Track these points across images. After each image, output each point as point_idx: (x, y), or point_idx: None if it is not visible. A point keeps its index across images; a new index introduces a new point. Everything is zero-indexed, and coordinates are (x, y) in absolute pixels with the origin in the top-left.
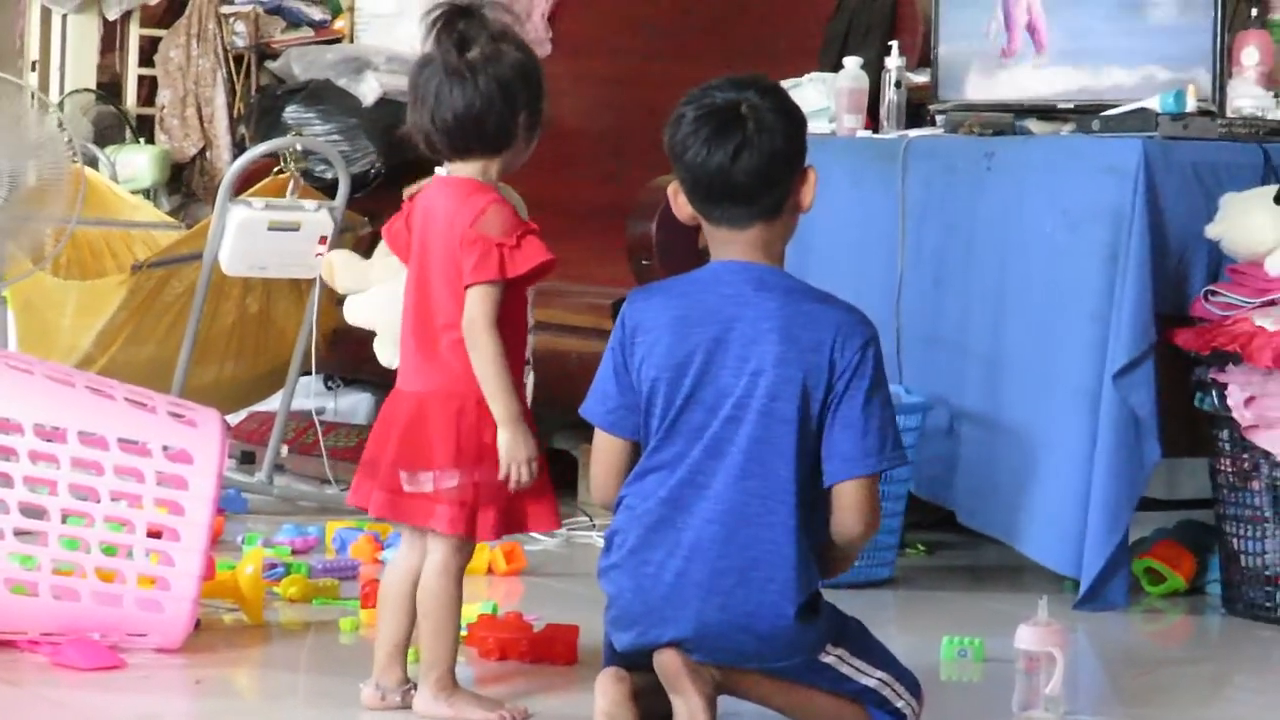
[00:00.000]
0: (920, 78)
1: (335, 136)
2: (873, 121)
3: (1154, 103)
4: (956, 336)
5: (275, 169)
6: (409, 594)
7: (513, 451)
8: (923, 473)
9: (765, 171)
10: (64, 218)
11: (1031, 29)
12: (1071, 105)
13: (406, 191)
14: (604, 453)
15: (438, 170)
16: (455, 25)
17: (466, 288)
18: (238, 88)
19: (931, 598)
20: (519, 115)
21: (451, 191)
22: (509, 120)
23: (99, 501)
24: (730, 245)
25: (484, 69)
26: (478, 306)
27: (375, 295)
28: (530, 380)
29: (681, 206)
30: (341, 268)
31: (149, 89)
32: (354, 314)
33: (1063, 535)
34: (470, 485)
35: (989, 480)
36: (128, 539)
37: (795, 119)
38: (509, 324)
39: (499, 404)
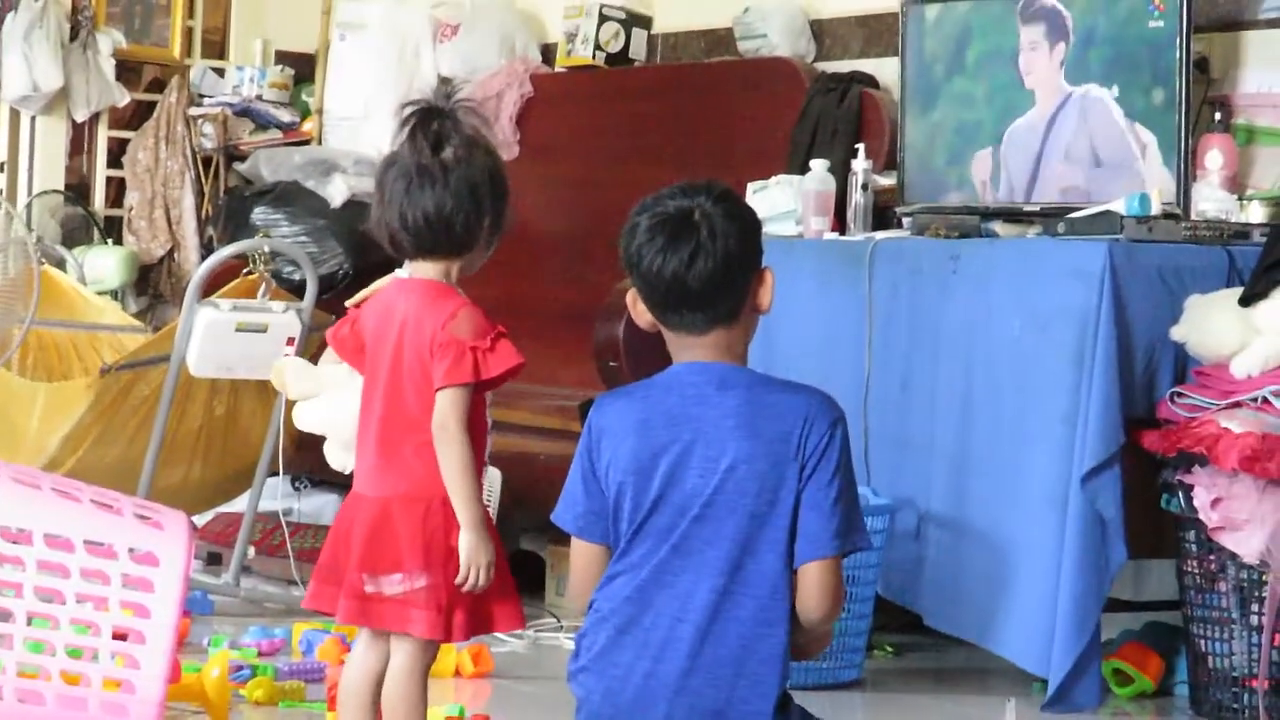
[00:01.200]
0: (887, 180)
1: (303, 238)
2: (839, 223)
3: (1119, 205)
4: (924, 438)
5: (244, 270)
6: (370, 695)
7: (474, 555)
8: (890, 575)
9: (721, 277)
10: (23, 317)
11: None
12: (1037, 208)
13: (350, 302)
14: (580, 559)
15: (397, 271)
16: (430, 124)
17: (438, 390)
18: (206, 189)
19: (899, 700)
20: (485, 218)
21: (418, 294)
22: (476, 223)
23: (64, 604)
24: (691, 349)
25: (456, 170)
26: (450, 409)
27: (326, 401)
28: (498, 480)
29: (641, 314)
30: (293, 374)
31: (117, 190)
32: (304, 419)
33: (1032, 636)
34: (443, 588)
35: (957, 582)
36: (93, 641)
37: (749, 222)
38: (471, 426)
39: (465, 507)
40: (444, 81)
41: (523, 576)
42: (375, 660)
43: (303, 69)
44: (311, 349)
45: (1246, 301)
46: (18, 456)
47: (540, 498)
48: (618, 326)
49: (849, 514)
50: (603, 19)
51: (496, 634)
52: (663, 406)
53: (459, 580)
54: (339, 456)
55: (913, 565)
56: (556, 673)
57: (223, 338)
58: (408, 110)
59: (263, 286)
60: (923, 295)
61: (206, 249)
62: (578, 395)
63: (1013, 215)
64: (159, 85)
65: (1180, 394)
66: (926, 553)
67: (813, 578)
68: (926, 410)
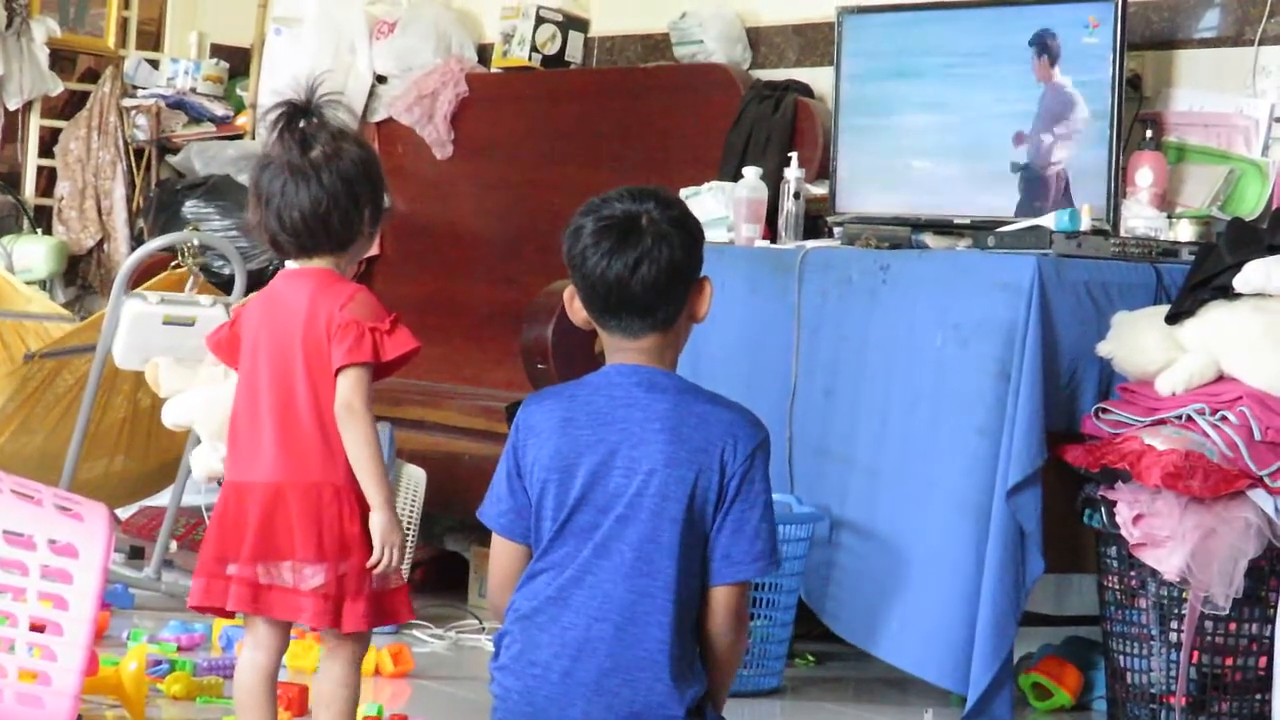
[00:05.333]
0: (818, 189)
1: (233, 232)
2: (771, 231)
3: (1049, 220)
4: (845, 449)
5: (172, 263)
6: (266, 692)
7: (388, 534)
8: (811, 584)
9: (663, 284)
10: None
11: None
12: (968, 221)
13: (234, 308)
14: (500, 557)
15: (288, 264)
16: (296, 124)
17: (339, 370)
18: (137, 181)
19: (819, 709)
20: (364, 211)
21: (311, 282)
22: (355, 216)
23: None
24: (624, 351)
25: (327, 167)
26: (353, 389)
27: (196, 396)
28: (422, 480)
29: (576, 311)
30: (166, 372)
31: (48, 180)
32: (173, 416)
33: (948, 650)
34: (335, 579)
35: (874, 595)
36: (10, 632)
37: (693, 232)
38: None
39: (374, 487)
40: (383, 77)
41: (446, 577)
42: (265, 657)
43: (237, 63)
44: None
45: (1173, 319)
46: None
47: (465, 498)
48: (546, 328)
49: (769, 537)
50: (539, 21)
51: (417, 633)
52: (590, 406)
53: (372, 563)
54: (207, 462)
55: (833, 575)
56: (477, 674)
57: (149, 330)
58: (274, 111)
59: (190, 280)
60: (851, 305)
61: (137, 241)
62: (505, 396)
63: (943, 227)
64: (93, 75)
65: (1105, 410)
66: (846, 563)
67: (724, 599)
68: (849, 420)
